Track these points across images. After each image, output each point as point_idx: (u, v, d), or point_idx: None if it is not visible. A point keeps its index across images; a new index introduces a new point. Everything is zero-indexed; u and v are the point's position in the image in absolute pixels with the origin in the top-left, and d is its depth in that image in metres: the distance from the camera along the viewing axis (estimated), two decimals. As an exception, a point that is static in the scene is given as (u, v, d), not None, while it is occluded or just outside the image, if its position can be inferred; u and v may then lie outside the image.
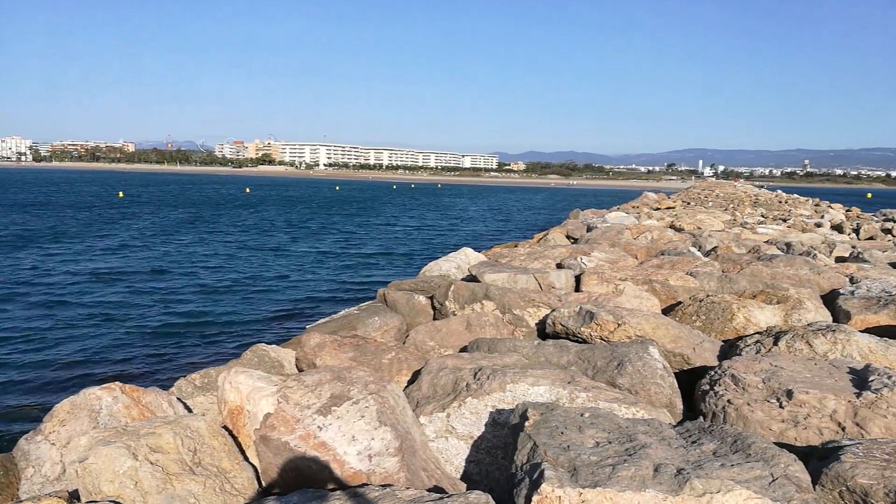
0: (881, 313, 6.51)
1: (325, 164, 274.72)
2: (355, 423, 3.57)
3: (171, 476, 3.28)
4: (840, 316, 6.73)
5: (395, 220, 42.93)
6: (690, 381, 4.94)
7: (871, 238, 16.99)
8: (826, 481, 3.01)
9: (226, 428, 3.95)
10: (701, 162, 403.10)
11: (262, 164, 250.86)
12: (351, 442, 3.49)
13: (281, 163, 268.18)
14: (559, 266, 9.54)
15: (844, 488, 2.95)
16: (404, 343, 6.27)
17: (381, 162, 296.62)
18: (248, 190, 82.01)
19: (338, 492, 3.03)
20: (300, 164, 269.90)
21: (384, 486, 3.08)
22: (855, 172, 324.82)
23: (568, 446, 3.13)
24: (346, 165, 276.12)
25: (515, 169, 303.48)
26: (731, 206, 31.36)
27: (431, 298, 7.72)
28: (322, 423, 3.58)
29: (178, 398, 4.68)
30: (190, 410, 4.63)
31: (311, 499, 2.90)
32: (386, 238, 32.18)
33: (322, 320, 7.14)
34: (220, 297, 16.62)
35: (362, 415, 3.64)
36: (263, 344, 5.84)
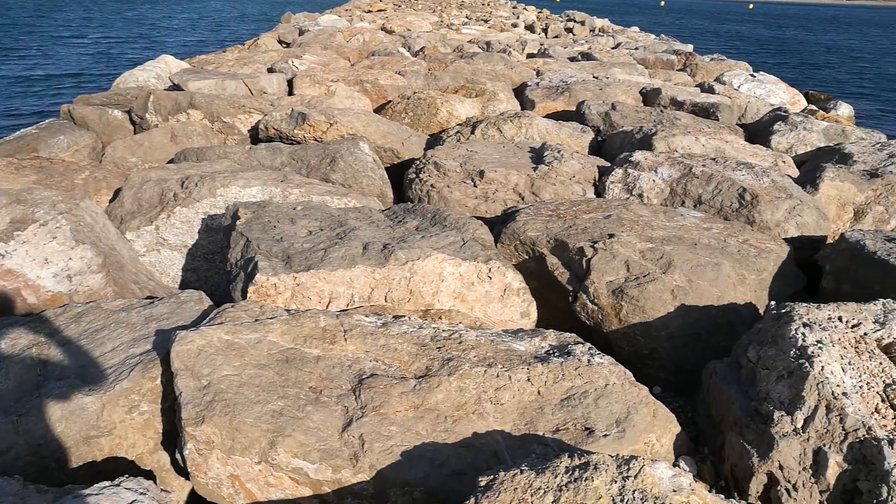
0: (558, 100, 7.42)
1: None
2: (46, 245, 3.25)
3: None
4: (527, 104, 7.53)
5: (76, 33, 36.59)
6: (401, 174, 5.25)
7: (556, 36, 18.81)
8: (504, 238, 3.53)
9: None
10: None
11: None
12: (44, 265, 3.19)
13: None
14: (270, 70, 9.11)
15: (518, 241, 3.50)
16: (101, 162, 5.66)
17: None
18: None
19: (32, 315, 2.80)
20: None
21: (89, 302, 2.92)
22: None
23: (281, 238, 3.21)
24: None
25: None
26: (439, 8, 32.08)
27: (129, 112, 6.96)
28: (4, 249, 3.19)
29: None
30: None
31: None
32: (66, 55, 27.40)
33: (-9, 144, 6.08)
34: None
35: (54, 236, 3.30)
36: (-88, 177, 4.84)
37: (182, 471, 2.08)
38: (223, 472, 1.99)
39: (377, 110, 7.25)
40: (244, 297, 2.89)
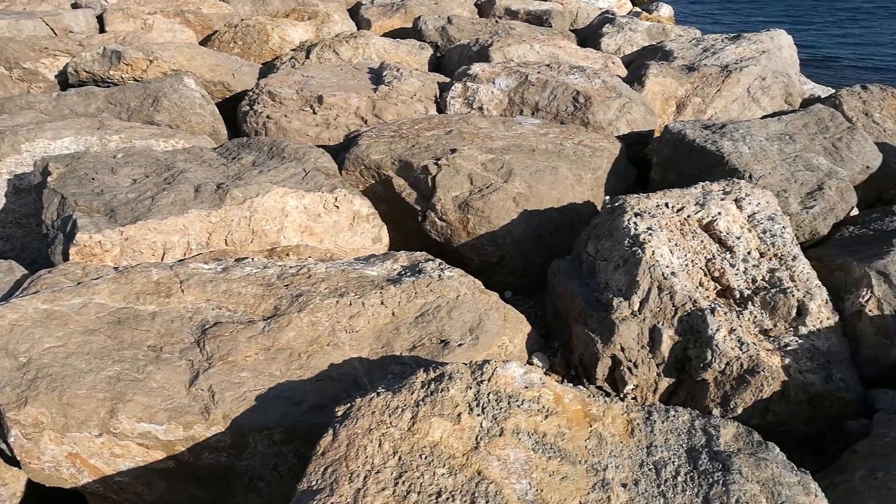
0: (394, 17, 7.22)
1: None
2: None
3: None
4: (362, 24, 7.27)
5: None
6: (234, 108, 4.94)
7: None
8: (348, 164, 3.43)
9: None
10: None
11: None
12: None
13: None
14: (75, 6, 8.15)
15: (363, 166, 3.42)
16: None
17: None
18: None
19: None
20: None
21: None
22: None
23: (101, 190, 2.93)
24: None
25: None
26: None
27: None
28: None
29: None
30: None
31: None
32: None
33: None
34: None
35: None
36: None
37: (12, 460, 1.90)
38: (60, 452, 1.84)
39: (203, 42, 6.73)
40: (66, 259, 2.64)
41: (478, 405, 1.83)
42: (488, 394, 1.87)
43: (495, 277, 3.13)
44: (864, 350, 2.50)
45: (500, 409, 1.83)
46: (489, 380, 1.91)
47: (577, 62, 5.21)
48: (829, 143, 3.43)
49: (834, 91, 4.71)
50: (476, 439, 1.74)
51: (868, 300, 2.53)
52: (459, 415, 1.79)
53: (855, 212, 3.32)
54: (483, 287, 2.61)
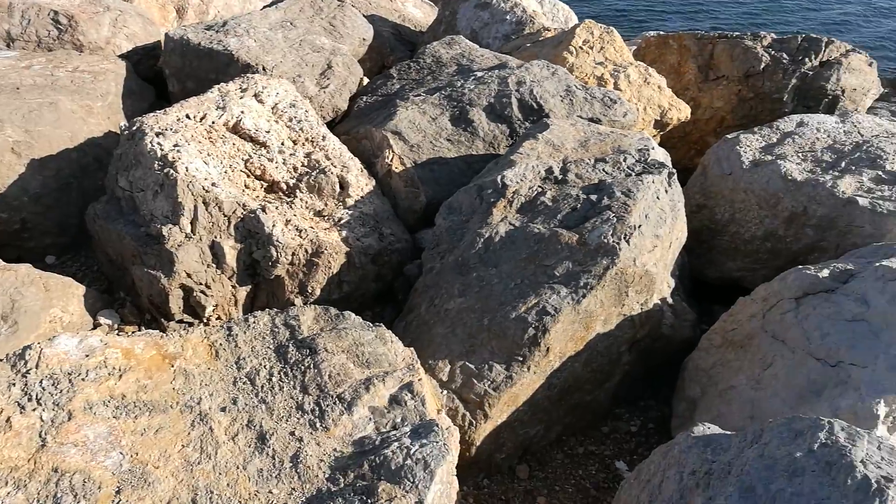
0: None
1: None
2: None
3: None
4: None
5: None
6: None
7: None
8: None
9: None
10: None
11: None
12: None
13: None
14: None
15: None
16: None
17: None
18: None
19: None
20: None
21: None
22: None
23: None
24: None
25: None
26: None
27: None
28: None
29: None
30: None
31: None
32: None
33: None
34: None
35: None
36: None
37: None
38: None
39: None
40: None
41: (31, 399, 1.55)
42: (40, 381, 1.59)
43: (27, 245, 2.66)
44: (401, 202, 2.83)
45: (62, 391, 1.59)
46: (37, 366, 1.62)
47: (49, -23, 4.46)
48: (326, 23, 3.62)
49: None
50: (41, 436, 1.49)
51: (392, 159, 2.83)
52: (9, 419, 1.50)
53: (366, 82, 3.64)
54: (3, 263, 2.18)
